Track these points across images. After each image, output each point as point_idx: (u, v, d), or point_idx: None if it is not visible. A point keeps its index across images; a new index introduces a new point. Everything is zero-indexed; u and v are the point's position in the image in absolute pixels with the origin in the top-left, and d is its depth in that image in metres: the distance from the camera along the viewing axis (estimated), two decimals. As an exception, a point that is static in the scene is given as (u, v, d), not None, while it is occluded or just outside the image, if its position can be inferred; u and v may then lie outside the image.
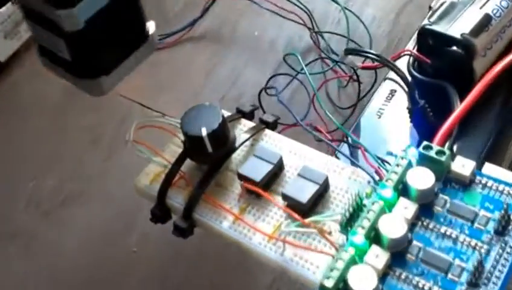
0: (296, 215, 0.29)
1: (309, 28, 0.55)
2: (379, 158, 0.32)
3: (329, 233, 0.31)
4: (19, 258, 0.46)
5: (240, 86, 0.55)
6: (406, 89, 0.33)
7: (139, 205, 0.39)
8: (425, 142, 0.31)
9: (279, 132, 0.37)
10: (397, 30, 0.60)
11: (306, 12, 0.55)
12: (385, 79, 0.43)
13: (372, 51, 0.33)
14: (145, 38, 0.36)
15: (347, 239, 0.29)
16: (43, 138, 0.52)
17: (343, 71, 0.50)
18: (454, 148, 0.35)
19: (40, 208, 0.48)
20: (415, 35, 0.41)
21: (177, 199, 0.34)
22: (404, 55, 0.41)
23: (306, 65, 0.51)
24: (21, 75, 0.59)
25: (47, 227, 0.47)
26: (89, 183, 0.49)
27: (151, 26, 0.36)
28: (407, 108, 0.34)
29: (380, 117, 0.39)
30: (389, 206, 0.30)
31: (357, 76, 0.46)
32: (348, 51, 0.34)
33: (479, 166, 0.31)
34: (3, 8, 0.61)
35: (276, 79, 0.51)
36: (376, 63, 0.37)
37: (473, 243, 0.28)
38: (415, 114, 0.33)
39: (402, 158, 0.31)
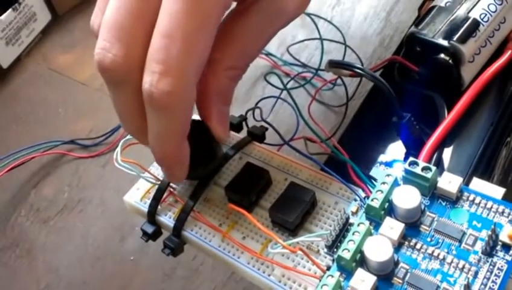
0: (277, 239, 0.28)
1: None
2: (366, 175, 0.30)
3: (317, 251, 0.29)
4: (22, 265, 0.44)
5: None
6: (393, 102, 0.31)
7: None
8: (411, 158, 0.29)
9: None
10: (388, 28, 0.59)
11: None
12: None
13: (356, 64, 0.31)
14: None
15: (333, 260, 0.27)
16: (42, 146, 0.50)
17: (324, 79, 0.49)
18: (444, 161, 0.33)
19: (40, 215, 0.47)
20: (404, 40, 0.39)
21: (166, 217, 0.33)
22: (392, 62, 0.38)
23: (286, 84, 0.49)
24: (22, 81, 0.58)
25: (47, 234, 0.46)
26: (86, 192, 0.48)
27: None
28: (393, 121, 0.32)
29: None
30: (375, 225, 0.28)
31: (342, 81, 0.45)
32: (332, 64, 0.32)
33: (468, 180, 0.29)
34: (4, 15, 0.59)
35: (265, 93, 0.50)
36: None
37: (460, 265, 0.26)
38: (401, 128, 0.31)
39: (388, 175, 0.29)
